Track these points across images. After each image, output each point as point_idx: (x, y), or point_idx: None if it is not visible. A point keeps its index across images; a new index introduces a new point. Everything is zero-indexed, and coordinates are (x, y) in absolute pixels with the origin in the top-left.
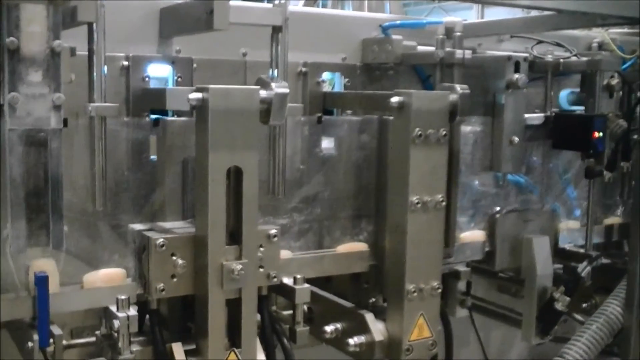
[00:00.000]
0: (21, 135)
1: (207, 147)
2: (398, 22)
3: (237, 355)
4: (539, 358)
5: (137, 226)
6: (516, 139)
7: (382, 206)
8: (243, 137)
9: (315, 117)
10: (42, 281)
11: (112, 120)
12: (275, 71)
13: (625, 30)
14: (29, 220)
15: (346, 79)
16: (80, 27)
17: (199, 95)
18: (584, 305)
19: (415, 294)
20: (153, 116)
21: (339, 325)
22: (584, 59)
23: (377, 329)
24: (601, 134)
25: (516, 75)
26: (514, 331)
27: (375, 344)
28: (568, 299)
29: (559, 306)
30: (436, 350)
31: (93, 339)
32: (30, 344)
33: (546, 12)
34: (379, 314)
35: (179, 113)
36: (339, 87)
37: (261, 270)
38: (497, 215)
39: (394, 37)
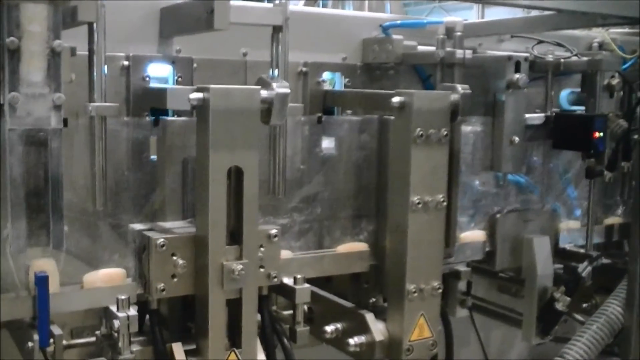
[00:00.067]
0: (21, 135)
1: (208, 147)
2: (398, 21)
3: (237, 356)
4: (539, 358)
5: (137, 226)
6: (516, 138)
7: (382, 206)
8: (244, 137)
9: (315, 117)
10: (42, 281)
11: (112, 120)
12: (276, 71)
13: (626, 30)
14: (29, 220)
15: (346, 79)
16: (80, 27)
17: (199, 95)
18: (585, 305)
19: (415, 294)
20: (153, 116)
21: (339, 325)
22: (585, 58)
23: (378, 329)
24: (602, 133)
25: (517, 75)
26: (514, 331)
27: (375, 344)
28: (568, 299)
29: (559, 306)
30: (436, 351)
31: (93, 339)
32: (30, 343)
33: (547, 12)
34: (379, 314)
35: (178, 113)
36: (339, 87)
37: (261, 270)
38: (498, 215)
39: (395, 37)
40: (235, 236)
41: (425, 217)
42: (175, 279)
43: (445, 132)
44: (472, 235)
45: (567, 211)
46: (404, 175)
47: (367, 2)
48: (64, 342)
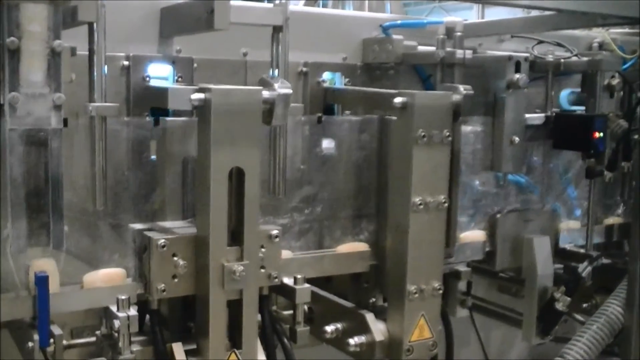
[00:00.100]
0: (22, 135)
1: (209, 148)
2: (399, 21)
3: (237, 357)
4: (539, 358)
5: (138, 226)
6: (517, 138)
7: (382, 206)
8: (245, 138)
9: (315, 116)
10: (42, 281)
11: (112, 120)
12: (276, 71)
13: (626, 30)
14: (30, 220)
15: (347, 79)
16: (80, 27)
17: (201, 95)
18: (585, 305)
19: (416, 294)
20: (153, 115)
21: (339, 325)
22: (585, 59)
23: (378, 329)
24: (602, 134)
25: (517, 75)
26: (515, 331)
27: (375, 344)
28: (569, 299)
29: (559, 306)
30: (436, 351)
31: (93, 339)
32: (30, 343)
33: (547, 12)
34: (379, 314)
35: (177, 112)
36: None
37: (262, 270)
38: (498, 215)
39: (395, 37)
40: (236, 237)
41: (426, 218)
42: (175, 280)
43: (447, 133)
44: (472, 235)
45: (567, 211)
46: (406, 176)
47: (367, 2)
48: (64, 342)
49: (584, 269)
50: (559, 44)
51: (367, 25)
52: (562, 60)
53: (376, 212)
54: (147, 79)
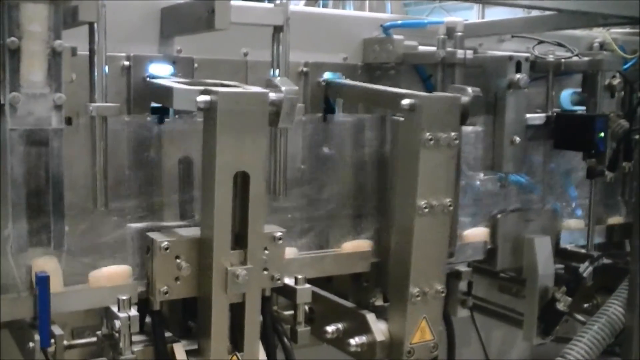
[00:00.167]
0: (22, 135)
1: (215, 151)
2: (399, 21)
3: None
4: (540, 358)
5: (138, 225)
6: (517, 138)
7: (382, 205)
8: (251, 141)
9: (316, 116)
10: (42, 281)
11: (112, 120)
12: (277, 71)
13: (627, 30)
14: (30, 220)
15: (347, 79)
16: (81, 27)
17: (207, 97)
18: (586, 305)
19: (418, 297)
20: (153, 114)
21: (340, 326)
22: (586, 59)
23: (379, 329)
24: (602, 134)
25: (517, 75)
26: (515, 331)
27: (376, 344)
28: (569, 299)
29: (560, 306)
30: (437, 353)
31: (94, 339)
32: (31, 344)
33: (547, 12)
34: (379, 314)
35: (177, 111)
36: None
37: (265, 272)
38: (499, 215)
39: (395, 36)
40: (239, 239)
41: (431, 221)
42: (178, 282)
43: (455, 136)
44: (476, 232)
45: (568, 211)
46: (411, 178)
47: (367, 2)
48: (65, 342)
49: (585, 269)
50: (559, 44)
51: (367, 25)
52: (563, 60)
53: (377, 211)
54: (149, 78)
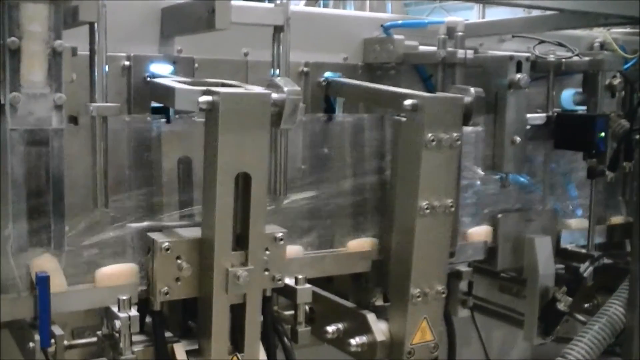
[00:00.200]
0: (23, 135)
1: (216, 152)
2: (400, 21)
3: None
4: (540, 358)
5: (138, 225)
6: (518, 138)
7: (383, 205)
8: (253, 142)
9: (317, 115)
10: (42, 281)
11: (113, 119)
12: (277, 71)
13: (627, 30)
14: (31, 220)
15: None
16: (81, 27)
17: (209, 98)
18: (586, 305)
19: (419, 298)
20: (154, 113)
21: (340, 326)
22: (586, 58)
23: (379, 329)
24: (603, 133)
25: (518, 75)
26: (516, 331)
27: (377, 344)
28: (570, 299)
29: (561, 306)
30: (437, 353)
31: (94, 339)
32: (31, 344)
33: (548, 12)
34: (379, 313)
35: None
36: None
37: (266, 273)
38: (499, 215)
39: (396, 36)
40: (241, 240)
41: (432, 222)
42: (179, 282)
43: (457, 137)
44: (480, 230)
45: (568, 211)
46: (413, 179)
47: (368, 2)
48: (65, 342)
49: (586, 269)
50: (560, 44)
51: (368, 25)
52: (564, 60)
53: (379, 211)
54: (149, 78)
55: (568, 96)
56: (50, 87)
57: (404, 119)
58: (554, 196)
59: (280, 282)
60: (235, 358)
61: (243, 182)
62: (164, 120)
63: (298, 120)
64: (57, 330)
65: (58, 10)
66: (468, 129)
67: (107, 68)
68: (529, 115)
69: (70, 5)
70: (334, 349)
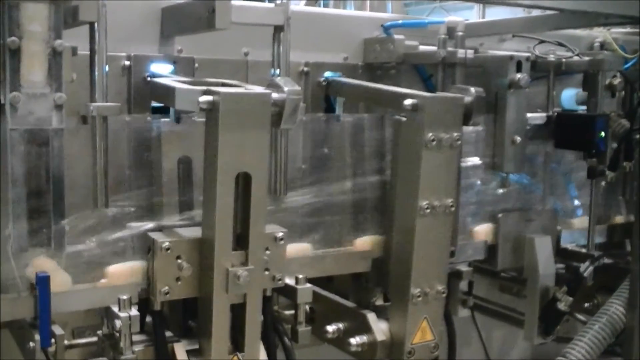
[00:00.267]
0: (23, 135)
1: (217, 152)
2: (400, 21)
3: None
4: (541, 358)
5: (137, 224)
6: (518, 138)
7: (382, 205)
8: (253, 142)
9: (317, 115)
10: (42, 281)
11: (113, 119)
12: (277, 71)
13: (627, 29)
14: (31, 220)
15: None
16: (81, 27)
17: (209, 98)
18: (587, 305)
19: (420, 298)
20: (154, 113)
21: (340, 325)
22: (586, 58)
23: (379, 328)
24: (603, 133)
25: (518, 75)
26: (516, 331)
27: (377, 344)
28: (570, 298)
29: (561, 306)
30: (438, 353)
31: (95, 339)
32: (31, 343)
33: (548, 12)
34: (380, 313)
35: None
36: None
37: (266, 273)
38: (499, 215)
39: (396, 36)
40: (241, 240)
41: (432, 222)
42: (179, 282)
43: (457, 137)
44: (487, 228)
45: (568, 211)
46: (413, 179)
47: (368, 2)
48: (66, 342)
49: (586, 268)
50: (560, 44)
51: (368, 25)
52: (564, 59)
53: (379, 211)
54: (149, 78)
55: (568, 96)
56: (51, 86)
57: (404, 119)
58: (554, 196)
59: (280, 281)
60: (235, 358)
61: (243, 182)
62: (165, 120)
63: (298, 120)
64: (57, 329)
65: (58, 10)
66: (468, 128)
67: (107, 68)
68: (529, 115)
69: (71, 5)
70: (334, 349)
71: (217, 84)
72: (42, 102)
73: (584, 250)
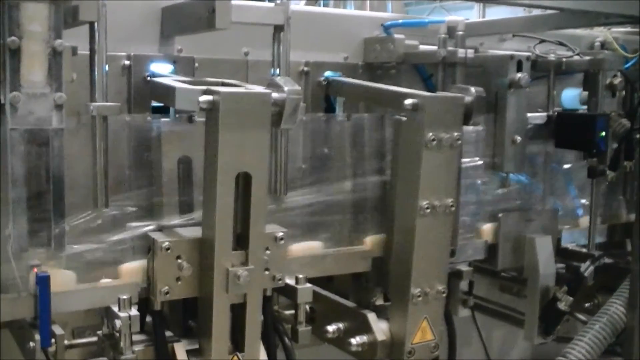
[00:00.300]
0: (23, 135)
1: (217, 152)
2: (400, 21)
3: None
4: (541, 358)
5: (138, 224)
6: (518, 138)
7: (381, 204)
8: (253, 142)
9: (318, 115)
10: (43, 281)
11: (113, 119)
12: (277, 70)
13: (628, 29)
14: (31, 220)
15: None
16: (81, 27)
17: (209, 97)
18: (587, 305)
19: (420, 298)
20: (154, 112)
21: (341, 325)
22: (587, 58)
23: (380, 328)
24: (604, 133)
25: (519, 75)
26: (517, 331)
27: (377, 343)
28: (571, 298)
29: (561, 306)
30: (438, 353)
31: (95, 338)
32: (31, 343)
33: (548, 11)
34: (380, 313)
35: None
36: None
37: (266, 273)
38: (500, 215)
39: (396, 36)
40: (241, 240)
41: (433, 222)
42: (179, 282)
43: (458, 137)
44: (495, 227)
45: (569, 211)
46: (413, 179)
47: (368, 1)
48: (66, 341)
49: (586, 268)
50: (560, 43)
51: (368, 24)
52: (564, 59)
53: (379, 210)
54: (150, 77)
55: (569, 95)
56: (51, 86)
57: (404, 119)
58: (554, 195)
59: (280, 281)
60: (235, 358)
61: (243, 182)
62: (165, 119)
63: (298, 120)
64: (57, 329)
65: (58, 10)
66: (468, 128)
67: (107, 67)
68: (529, 115)
69: (71, 5)
70: (334, 349)
71: (217, 84)
72: (42, 102)
73: (584, 250)
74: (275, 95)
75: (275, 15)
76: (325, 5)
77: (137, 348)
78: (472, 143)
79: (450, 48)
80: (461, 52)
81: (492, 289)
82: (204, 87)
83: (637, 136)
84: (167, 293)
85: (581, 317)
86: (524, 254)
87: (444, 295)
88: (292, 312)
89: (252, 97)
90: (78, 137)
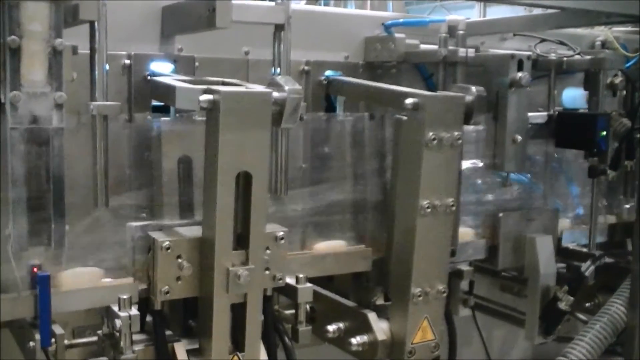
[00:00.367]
0: (23, 134)
1: (217, 152)
2: (401, 20)
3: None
4: (541, 358)
5: (136, 224)
6: (519, 137)
7: (381, 204)
8: (253, 141)
9: (318, 114)
10: (43, 281)
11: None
12: (278, 70)
13: (629, 28)
14: (31, 219)
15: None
16: (82, 26)
17: (210, 97)
18: (587, 304)
19: (420, 297)
20: (155, 112)
21: (341, 325)
22: (588, 57)
23: (380, 328)
24: (604, 132)
25: (519, 74)
26: (517, 330)
27: (377, 343)
28: (571, 298)
29: (562, 305)
30: (438, 353)
31: (95, 338)
32: (32, 343)
33: (549, 11)
34: (381, 313)
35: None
36: None
37: (267, 272)
38: (500, 214)
39: (397, 35)
40: (241, 239)
41: (433, 222)
42: (179, 281)
43: (458, 136)
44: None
45: (569, 210)
46: (414, 178)
47: (369, 1)
48: (66, 341)
49: (587, 268)
50: (561, 43)
51: (369, 23)
52: (565, 58)
53: (380, 210)
54: (150, 76)
55: (570, 95)
56: (51, 86)
57: (405, 118)
58: (555, 195)
59: (281, 281)
60: (235, 357)
61: (244, 182)
62: (165, 119)
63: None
64: (57, 329)
65: (58, 9)
66: (469, 127)
67: (107, 67)
68: (530, 114)
69: (71, 4)
70: (334, 349)
71: (217, 83)
72: (43, 101)
73: (585, 249)
74: (275, 94)
75: (275, 15)
76: (326, 4)
77: (137, 348)
78: (473, 142)
79: (451, 47)
80: (462, 52)
81: (493, 288)
82: (205, 87)
83: (638, 135)
84: (167, 293)
85: (582, 316)
86: (525, 253)
87: (445, 295)
88: (293, 311)
89: (252, 97)
90: (78, 136)
